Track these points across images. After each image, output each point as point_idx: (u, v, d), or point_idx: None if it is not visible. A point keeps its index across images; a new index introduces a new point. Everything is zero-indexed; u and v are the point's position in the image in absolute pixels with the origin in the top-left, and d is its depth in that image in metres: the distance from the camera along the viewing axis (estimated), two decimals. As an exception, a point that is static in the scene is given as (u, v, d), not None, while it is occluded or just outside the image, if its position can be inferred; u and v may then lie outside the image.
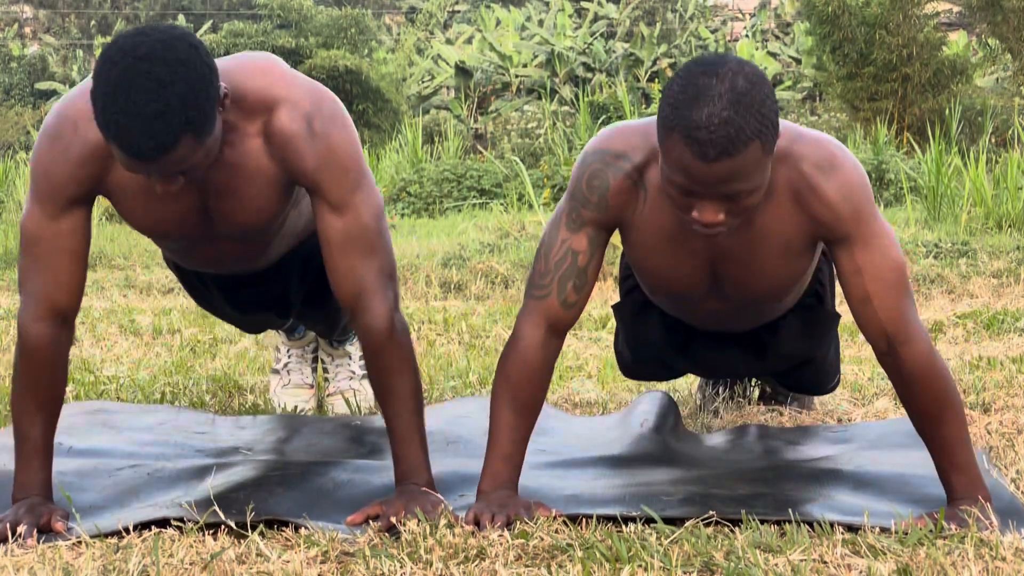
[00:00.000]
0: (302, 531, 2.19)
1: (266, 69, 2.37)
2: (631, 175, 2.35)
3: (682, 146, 2.06)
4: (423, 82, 25.37)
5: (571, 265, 2.37)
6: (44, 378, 2.36)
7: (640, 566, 2.00)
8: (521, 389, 2.36)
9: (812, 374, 3.07)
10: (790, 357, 2.91)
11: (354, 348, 3.55)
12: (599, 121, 14.15)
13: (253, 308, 3.07)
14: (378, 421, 3.19)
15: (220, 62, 2.31)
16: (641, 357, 3.02)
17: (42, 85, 27.77)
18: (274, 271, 2.91)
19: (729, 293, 2.54)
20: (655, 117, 2.37)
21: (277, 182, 2.41)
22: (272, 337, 3.64)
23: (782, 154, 2.27)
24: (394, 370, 2.37)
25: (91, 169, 2.32)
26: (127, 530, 2.21)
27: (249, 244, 2.69)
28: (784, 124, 2.27)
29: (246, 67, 2.36)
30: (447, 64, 25.94)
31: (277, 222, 2.59)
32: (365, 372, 3.52)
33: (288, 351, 3.56)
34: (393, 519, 2.22)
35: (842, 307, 4.59)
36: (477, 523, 2.21)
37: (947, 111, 14.98)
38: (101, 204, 11.73)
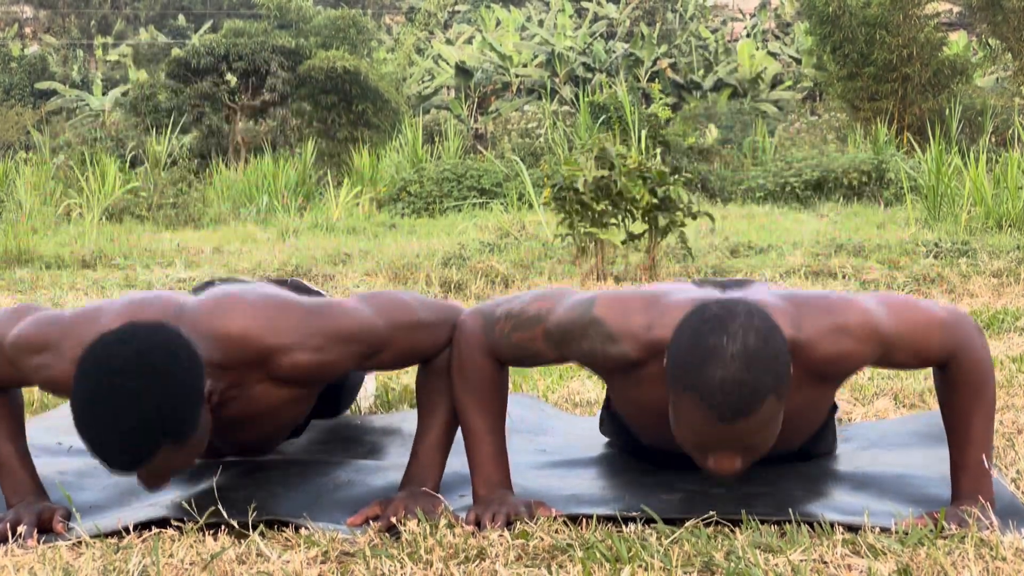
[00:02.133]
0: (302, 531, 2.19)
1: (237, 318, 2.25)
2: (620, 363, 2.27)
3: (696, 408, 2.00)
4: (423, 82, 25.39)
5: (532, 355, 2.37)
6: (2, 401, 2.41)
7: (640, 566, 2.00)
8: (486, 395, 2.38)
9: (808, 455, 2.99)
10: (793, 455, 2.83)
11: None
12: (599, 121, 14.14)
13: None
14: (378, 421, 3.20)
15: (190, 315, 2.25)
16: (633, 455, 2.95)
17: (42, 85, 27.78)
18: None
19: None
20: (666, 292, 2.28)
21: (303, 397, 2.41)
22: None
23: (791, 348, 2.17)
24: (444, 390, 2.42)
25: (61, 392, 2.29)
26: (127, 530, 2.21)
27: (261, 446, 2.68)
28: (777, 307, 2.19)
29: (216, 322, 2.25)
30: (447, 64, 25.95)
31: (296, 423, 2.59)
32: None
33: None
34: (393, 519, 2.22)
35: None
36: (478, 523, 2.21)
37: (947, 111, 15.00)
38: (103, 203, 11.73)
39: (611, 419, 2.80)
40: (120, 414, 1.97)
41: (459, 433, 2.95)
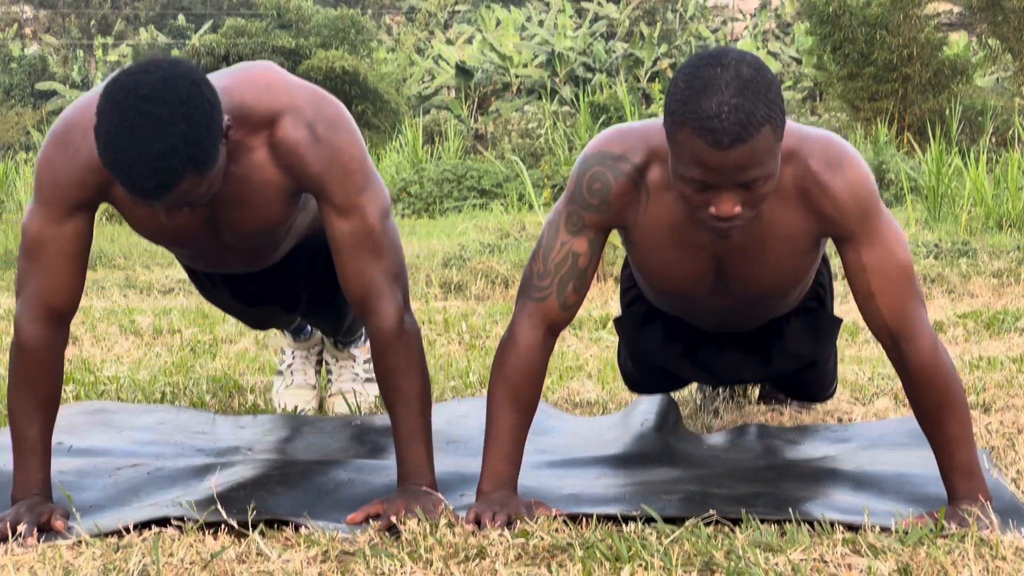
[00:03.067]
0: (302, 530, 2.19)
1: (268, 82, 2.37)
2: (632, 176, 2.35)
3: (695, 138, 2.06)
4: (423, 82, 25.39)
5: (571, 267, 2.37)
6: (40, 378, 2.37)
7: (640, 565, 1.99)
8: (521, 389, 2.36)
9: (813, 379, 3.07)
10: (794, 359, 2.90)
11: (359, 351, 3.56)
12: (599, 121, 14.15)
13: (260, 302, 3.08)
14: (378, 421, 3.20)
15: (220, 79, 2.32)
16: (645, 368, 3.02)
17: (42, 85, 27.78)
18: (281, 266, 2.93)
19: (733, 290, 2.54)
20: (653, 120, 2.38)
21: (284, 191, 2.42)
22: (277, 339, 3.64)
23: (789, 152, 2.28)
24: (401, 370, 2.38)
25: (97, 177, 2.32)
26: (127, 529, 2.21)
27: (256, 249, 2.72)
28: (790, 124, 2.27)
29: (247, 82, 2.36)
30: (447, 64, 25.95)
31: (284, 228, 2.61)
32: (369, 376, 3.53)
33: (292, 353, 3.56)
34: (393, 518, 2.22)
35: (844, 306, 4.58)
36: (478, 522, 2.21)
37: (947, 111, 15.00)
38: (101, 205, 11.74)
39: (620, 325, 2.95)
40: (149, 139, 2.04)
41: (458, 432, 2.96)
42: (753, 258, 2.43)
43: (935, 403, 2.28)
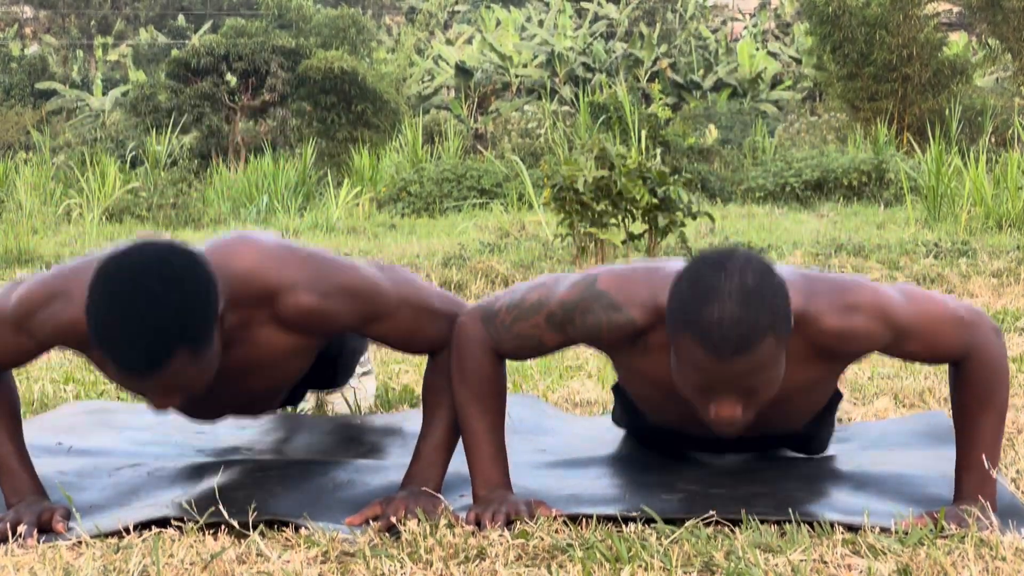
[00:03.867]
0: (302, 531, 2.19)
1: (250, 264, 2.27)
2: (627, 332, 2.27)
3: (695, 346, 2.02)
4: (423, 82, 25.39)
5: (535, 347, 2.37)
6: None
7: (640, 566, 1.99)
8: (486, 395, 2.37)
9: (811, 445, 2.98)
10: (793, 438, 2.83)
11: (358, 349, 3.55)
12: (599, 121, 14.14)
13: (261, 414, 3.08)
14: (378, 420, 3.20)
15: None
16: (643, 441, 2.95)
17: (42, 85, 27.77)
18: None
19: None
20: (666, 266, 2.29)
21: (304, 348, 2.40)
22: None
23: (798, 318, 2.19)
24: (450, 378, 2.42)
25: (73, 342, 2.29)
26: (127, 530, 2.21)
27: (258, 401, 2.68)
28: (789, 280, 2.17)
29: (224, 256, 2.26)
30: (447, 64, 25.95)
31: (296, 377, 2.58)
32: (365, 369, 3.53)
33: (290, 352, 3.55)
34: (393, 519, 2.22)
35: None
36: (478, 523, 2.21)
37: (947, 111, 15.00)
38: (102, 200, 11.73)
39: (620, 399, 2.81)
40: (141, 314, 2.00)
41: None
42: (769, 410, 2.31)
43: (977, 402, 2.29)
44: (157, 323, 2.00)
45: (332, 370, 3.02)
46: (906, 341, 2.27)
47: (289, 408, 3.45)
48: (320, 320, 2.30)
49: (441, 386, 2.42)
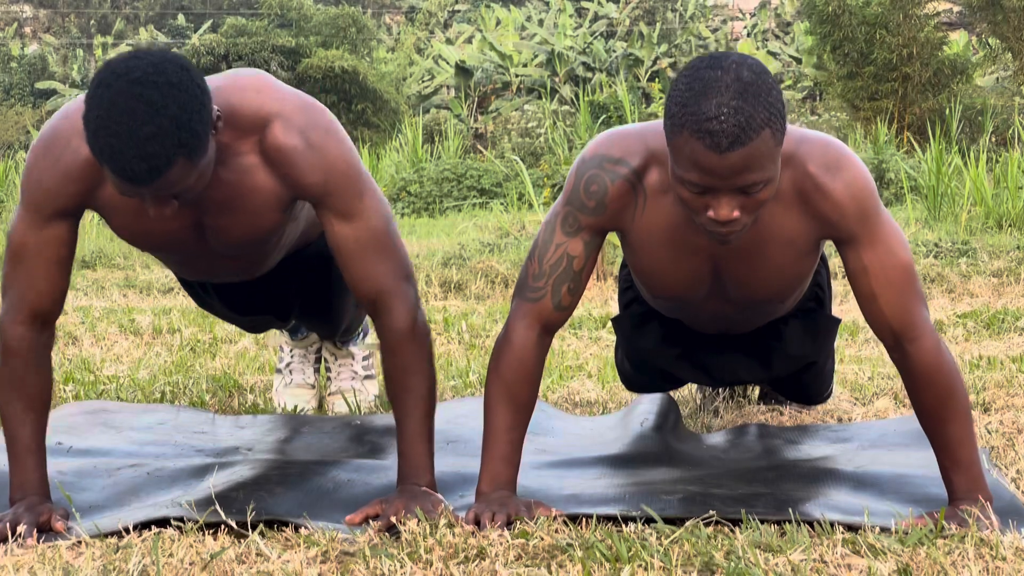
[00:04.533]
0: (302, 531, 2.19)
1: (257, 87, 2.36)
2: (630, 179, 2.34)
3: (694, 141, 2.05)
4: (423, 81, 25.39)
5: (566, 269, 2.37)
6: (28, 379, 2.37)
7: (640, 566, 1.99)
8: (518, 389, 2.36)
9: (811, 381, 3.06)
10: (793, 361, 2.90)
11: (358, 349, 3.56)
12: (599, 121, 14.16)
13: (252, 311, 3.08)
14: (378, 420, 3.19)
15: (211, 81, 2.30)
16: (642, 368, 3.01)
17: (42, 85, 27.78)
18: (272, 277, 2.91)
19: (731, 294, 2.54)
20: (652, 122, 2.37)
21: (276, 198, 2.41)
22: (275, 337, 3.65)
23: (787, 155, 2.27)
24: (411, 369, 2.38)
25: (81, 184, 2.32)
26: (127, 530, 2.21)
27: (245, 258, 2.70)
28: (788, 127, 2.26)
29: (237, 85, 2.35)
30: (447, 64, 25.95)
31: (275, 236, 2.60)
32: (368, 373, 3.53)
33: (291, 351, 3.56)
34: (393, 518, 2.22)
35: (843, 306, 4.58)
36: (477, 523, 2.21)
37: (947, 110, 14.99)
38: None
39: (618, 325, 2.94)
40: (140, 121, 2.03)
41: (458, 432, 2.96)
42: (751, 262, 2.43)
43: (937, 403, 2.28)
44: (158, 131, 2.04)
45: (324, 281, 2.99)
46: (866, 246, 2.28)
47: (285, 334, 3.51)
48: (290, 163, 2.32)
49: (400, 371, 2.37)
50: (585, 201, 2.35)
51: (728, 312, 2.63)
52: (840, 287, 5.06)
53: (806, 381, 3.04)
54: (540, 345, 2.38)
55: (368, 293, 2.39)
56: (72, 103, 2.36)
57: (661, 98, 15.44)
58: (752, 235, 2.34)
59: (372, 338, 3.59)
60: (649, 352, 2.91)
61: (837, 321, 2.92)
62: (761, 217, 2.31)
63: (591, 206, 2.35)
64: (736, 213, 2.12)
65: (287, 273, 2.91)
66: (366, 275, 2.37)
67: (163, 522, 2.24)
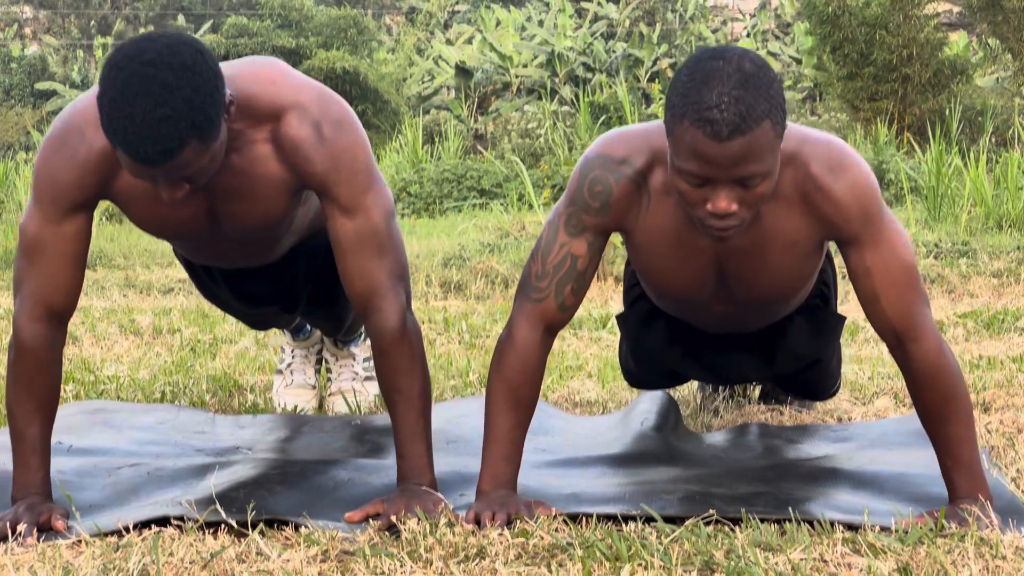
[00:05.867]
0: (302, 530, 2.19)
1: (272, 75, 2.37)
2: (634, 179, 2.34)
3: (694, 130, 2.05)
4: (423, 82, 25.37)
5: (570, 269, 2.37)
6: (39, 378, 2.37)
7: (640, 565, 1.99)
8: (520, 389, 2.36)
9: (817, 378, 3.06)
10: (798, 359, 2.89)
11: (359, 350, 3.56)
12: (599, 121, 14.15)
13: (260, 302, 3.08)
14: (378, 420, 3.19)
15: (226, 68, 2.31)
16: (646, 366, 3.01)
17: (42, 85, 27.76)
18: (281, 266, 2.93)
19: (736, 294, 2.54)
20: (655, 122, 2.37)
21: (286, 186, 2.42)
22: (277, 337, 3.65)
23: (790, 155, 2.27)
24: (403, 370, 2.38)
25: (96, 176, 2.33)
26: (127, 529, 2.21)
27: (256, 243, 2.72)
28: (791, 126, 2.27)
29: (252, 73, 2.37)
30: (447, 64, 25.93)
31: (285, 223, 2.62)
32: (368, 374, 3.53)
33: (292, 351, 3.56)
34: (393, 518, 2.22)
35: (844, 307, 4.58)
36: (478, 522, 2.21)
37: (947, 111, 14.98)
38: (101, 204, 11.72)
39: (623, 323, 2.95)
40: (154, 102, 2.04)
41: (458, 432, 2.96)
42: (755, 262, 2.43)
43: (939, 403, 2.28)
44: (171, 113, 2.05)
45: (330, 269, 2.99)
46: (869, 247, 2.28)
47: (286, 334, 3.50)
48: (298, 153, 2.33)
49: (392, 372, 2.37)
50: (589, 201, 2.35)
51: (733, 312, 2.63)
52: (843, 287, 5.06)
53: (811, 378, 3.04)
54: (543, 345, 2.38)
55: (361, 290, 2.39)
56: (83, 96, 2.37)
57: (661, 99, 15.43)
58: (755, 236, 2.34)
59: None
60: (654, 350, 2.91)
61: (842, 319, 2.92)
62: (763, 218, 2.31)
63: (595, 206, 2.35)
64: (734, 206, 2.12)
65: (296, 261, 2.93)
66: (360, 271, 2.38)
67: (163, 521, 2.24)
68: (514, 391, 2.35)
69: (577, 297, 2.39)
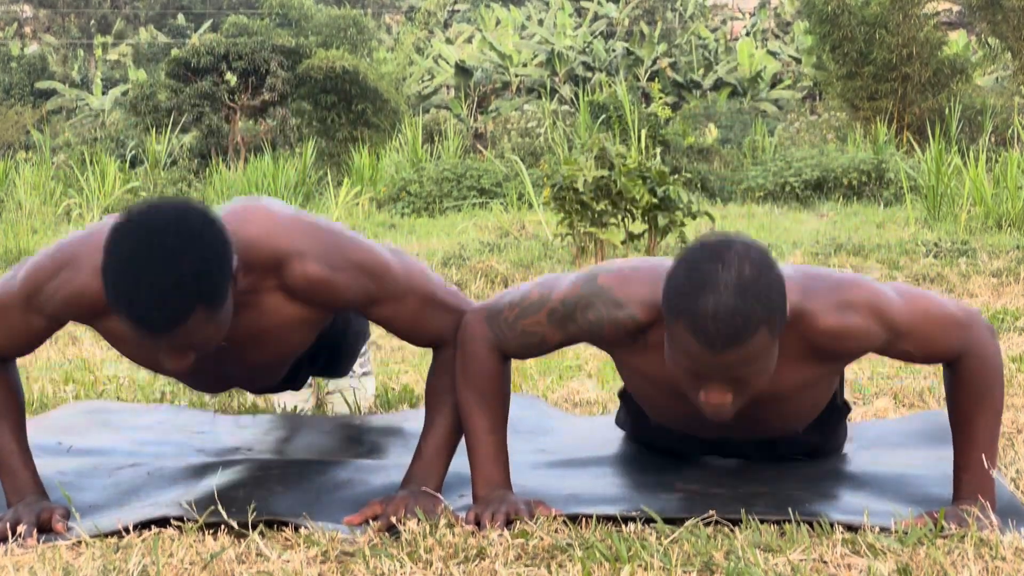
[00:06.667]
0: (302, 531, 2.19)
1: (261, 226, 2.28)
2: (630, 329, 2.27)
3: (688, 335, 2.01)
4: (423, 81, 25.38)
5: (537, 344, 2.37)
6: None
7: (640, 565, 2.00)
8: (490, 396, 2.37)
9: (823, 451, 2.97)
10: (803, 447, 2.79)
11: (357, 349, 3.55)
12: (599, 120, 14.14)
13: (266, 391, 3.10)
14: (378, 420, 3.20)
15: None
16: (645, 443, 2.93)
17: (42, 84, 27.77)
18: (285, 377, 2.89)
19: (742, 430, 2.45)
20: (669, 263, 2.25)
21: (309, 323, 2.40)
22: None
23: (795, 315, 2.18)
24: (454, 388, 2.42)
25: (84, 311, 2.29)
26: (127, 530, 2.21)
27: (264, 371, 2.67)
28: (788, 275, 2.15)
29: (243, 227, 2.26)
30: (447, 63, 25.94)
31: (302, 350, 2.58)
32: (364, 370, 3.52)
33: (290, 351, 3.55)
34: (393, 518, 2.22)
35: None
36: (477, 523, 2.21)
37: (947, 110, 14.99)
38: (101, 204, 11.71)
39: (625, 405, 2.81)
40: (159, 271, 1.99)
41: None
42: (764, 411, 2.34)
43: (973, 400, 2.29)
44: (176, 281, 2.00)
45: (335, 353, 3.01)
46: (902, 341, 2.26)
47: (289, 396, 3.45)
48: (326, 291, 2.29)
49: (444, 387, 2.42)
50: (579, 322, 2.30)
51: (737, 436, 2.56)
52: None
53: (820, 452, 2.95)
54: (504, 361, 2.41)
55: (429, 343, 2.46)
56: (94, 229, 2.29)
57: (661, 98, 15.40)
58: (766, 389, 2.22)
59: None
60: (654, 434, 2.80)
61: (848, 409, 2.80)
62: (777, 373, 2.21)
63: (584, 328, 2.31)
64: (727, 398, 2.09)
65: (299, 362, 2.84)
66: (426, 332, 2.43)
67: (163, 522, 2.25)
68: (484, 398, 2.36)
69: (535, 355, 2.42)
